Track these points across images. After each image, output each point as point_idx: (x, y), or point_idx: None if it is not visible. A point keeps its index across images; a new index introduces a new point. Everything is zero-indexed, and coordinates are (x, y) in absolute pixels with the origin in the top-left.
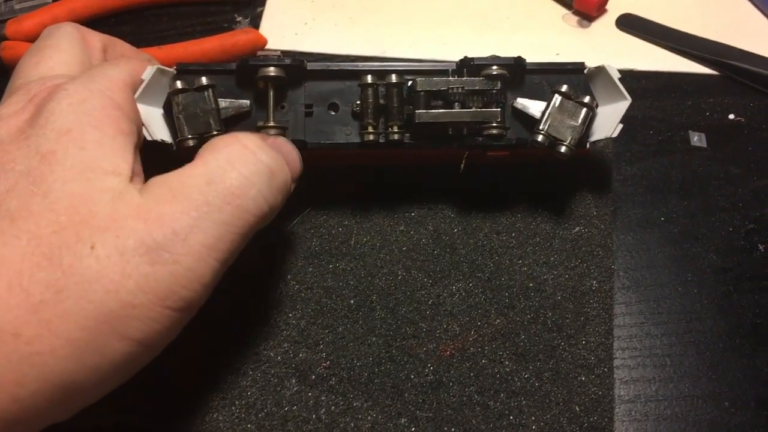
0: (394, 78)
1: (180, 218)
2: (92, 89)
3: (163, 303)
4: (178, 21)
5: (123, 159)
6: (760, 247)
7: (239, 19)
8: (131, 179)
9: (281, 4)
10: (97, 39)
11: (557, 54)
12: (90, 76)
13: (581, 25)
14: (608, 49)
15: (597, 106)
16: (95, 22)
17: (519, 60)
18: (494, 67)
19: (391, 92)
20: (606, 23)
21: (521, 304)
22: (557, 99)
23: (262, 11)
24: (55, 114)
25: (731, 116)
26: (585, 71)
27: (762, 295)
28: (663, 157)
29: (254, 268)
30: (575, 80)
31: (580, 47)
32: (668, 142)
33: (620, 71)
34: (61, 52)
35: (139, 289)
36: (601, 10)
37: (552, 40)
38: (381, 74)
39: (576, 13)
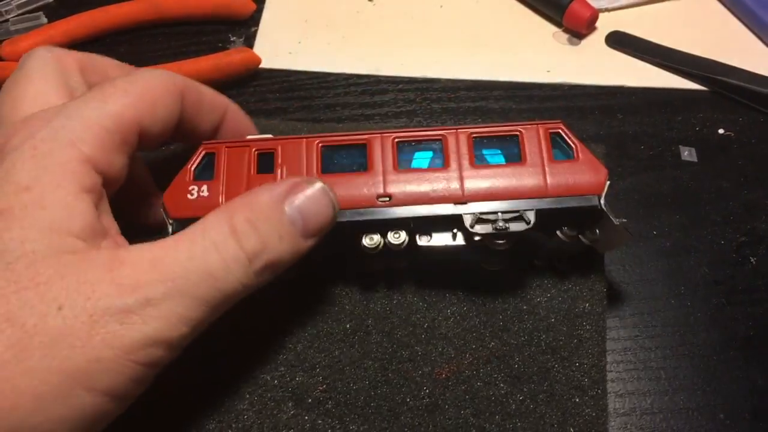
0: (392, 240)
1: (155, 287)
2: (61, 140)
3: (129, 357)
4: (173, 41)
5: (86, 221)
6: (752, 260)
7: (233, 38)
8: (98, 239)
9: (275, 23)
10: (72, 59)
11: (548, 71)
12: (66, 116)
13: (571, 43)
14: (598, 66)
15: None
16: (91, 42)
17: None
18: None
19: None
20: (596, 41)
21: (515, 327)
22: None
23: (256, 31)
24: (17, 167)
25: (721, 131)
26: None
27: (755, 308)
28: (654, 172)
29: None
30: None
31: (570, 65)
32: (659, 157)
33: (610, 88)
34: (34, 83)
35: (106, 344)
36: (590, 27)
37: (542, 58)
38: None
39: (566, 31)
